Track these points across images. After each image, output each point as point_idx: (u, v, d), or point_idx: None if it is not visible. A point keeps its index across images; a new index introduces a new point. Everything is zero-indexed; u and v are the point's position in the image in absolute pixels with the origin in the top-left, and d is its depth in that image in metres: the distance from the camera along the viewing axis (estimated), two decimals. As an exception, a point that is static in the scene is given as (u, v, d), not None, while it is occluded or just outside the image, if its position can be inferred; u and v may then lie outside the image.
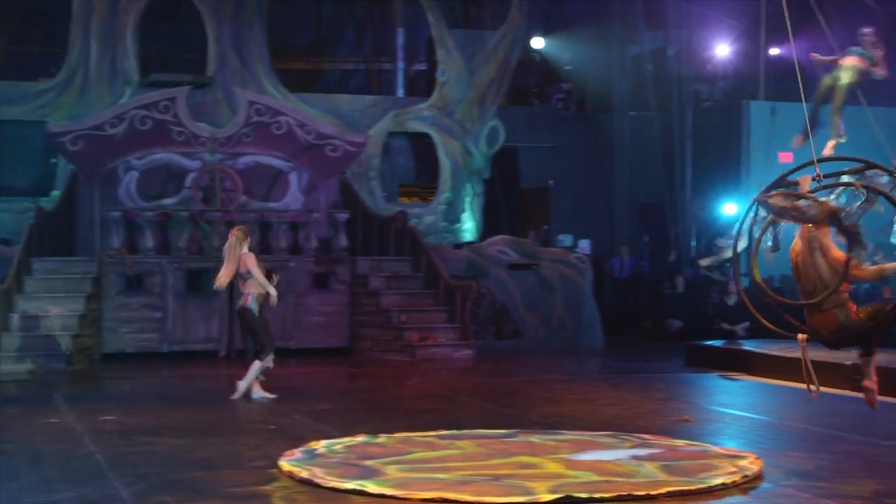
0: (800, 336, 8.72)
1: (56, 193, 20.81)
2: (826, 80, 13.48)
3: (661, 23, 25.20)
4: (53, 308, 17.77)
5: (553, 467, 8.85)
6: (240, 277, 13.12)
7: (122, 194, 19.72)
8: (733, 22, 23.63)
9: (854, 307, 8.59)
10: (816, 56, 13.51)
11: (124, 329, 18.53)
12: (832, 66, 13.46)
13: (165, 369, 17.43)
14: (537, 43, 26.35)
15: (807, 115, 11.64)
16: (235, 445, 10.01)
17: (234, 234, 13.18)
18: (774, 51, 23.73)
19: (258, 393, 13.18)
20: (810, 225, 8.53)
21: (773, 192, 8.82)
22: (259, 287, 13.04)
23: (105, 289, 18.47)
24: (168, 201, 19.87)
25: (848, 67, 13.35)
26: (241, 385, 13.15)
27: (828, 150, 12.97)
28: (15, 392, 14.30)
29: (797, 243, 8.68)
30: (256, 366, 13.15)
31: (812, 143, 9.48)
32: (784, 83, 24.60)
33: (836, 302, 8.48)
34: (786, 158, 23.01)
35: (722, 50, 23.77)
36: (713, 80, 24.97)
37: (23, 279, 18.12)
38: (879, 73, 13.38)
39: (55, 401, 13.44)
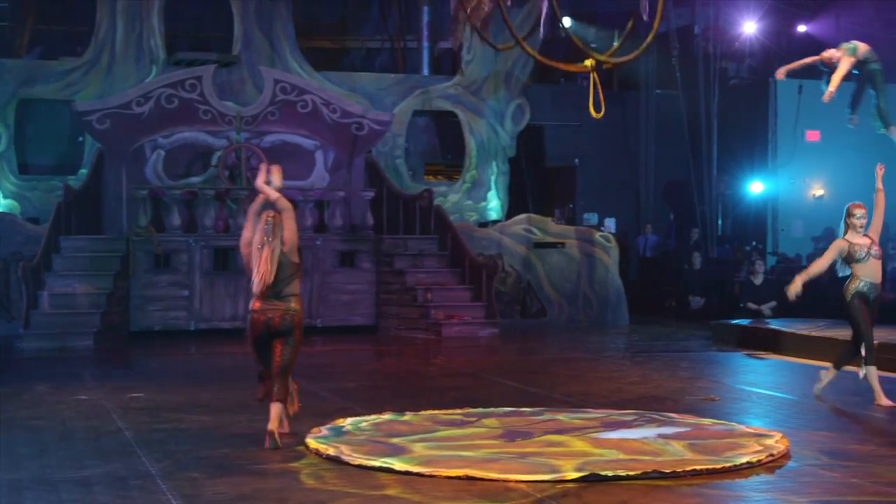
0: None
1: (84, 172, 20.91)
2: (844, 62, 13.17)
3: (687, 0, 25.08)
4: (81, 286, 17.91)
5: (579, 445, 8.88)
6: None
7: (148, 172, 19.80)
8: (760, -1, 23.48)
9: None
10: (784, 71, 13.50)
11: (152, 307, 18.63)
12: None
13: (193, 347, 17.55)
14: (563, 21, 26.20)
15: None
16: (262, 423, 10.02)
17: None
18: (802, 28, 23.56)
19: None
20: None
21: None
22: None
23: (132, 267, 18.55)
24: (194, 179, 19.95)
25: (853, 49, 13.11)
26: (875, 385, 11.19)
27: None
28: (44, 369, 14.40)
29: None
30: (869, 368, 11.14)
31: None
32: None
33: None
34: (813, 137, 22.93)
35: (749, 27, 23.61)
36: (740, 57, 24.83)
37: (51, 257, 18.23)
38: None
39: (84, 378, 13.55)
